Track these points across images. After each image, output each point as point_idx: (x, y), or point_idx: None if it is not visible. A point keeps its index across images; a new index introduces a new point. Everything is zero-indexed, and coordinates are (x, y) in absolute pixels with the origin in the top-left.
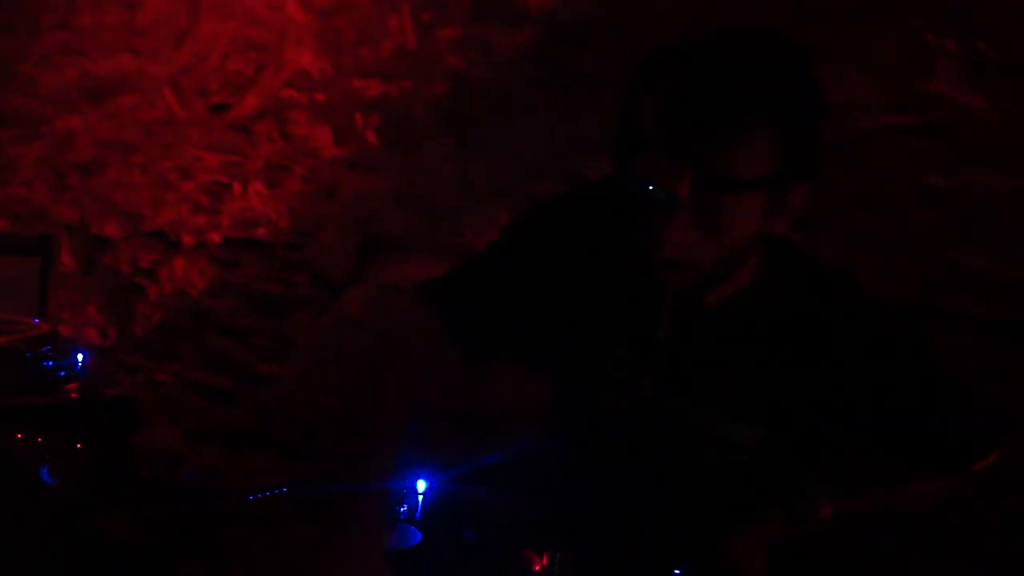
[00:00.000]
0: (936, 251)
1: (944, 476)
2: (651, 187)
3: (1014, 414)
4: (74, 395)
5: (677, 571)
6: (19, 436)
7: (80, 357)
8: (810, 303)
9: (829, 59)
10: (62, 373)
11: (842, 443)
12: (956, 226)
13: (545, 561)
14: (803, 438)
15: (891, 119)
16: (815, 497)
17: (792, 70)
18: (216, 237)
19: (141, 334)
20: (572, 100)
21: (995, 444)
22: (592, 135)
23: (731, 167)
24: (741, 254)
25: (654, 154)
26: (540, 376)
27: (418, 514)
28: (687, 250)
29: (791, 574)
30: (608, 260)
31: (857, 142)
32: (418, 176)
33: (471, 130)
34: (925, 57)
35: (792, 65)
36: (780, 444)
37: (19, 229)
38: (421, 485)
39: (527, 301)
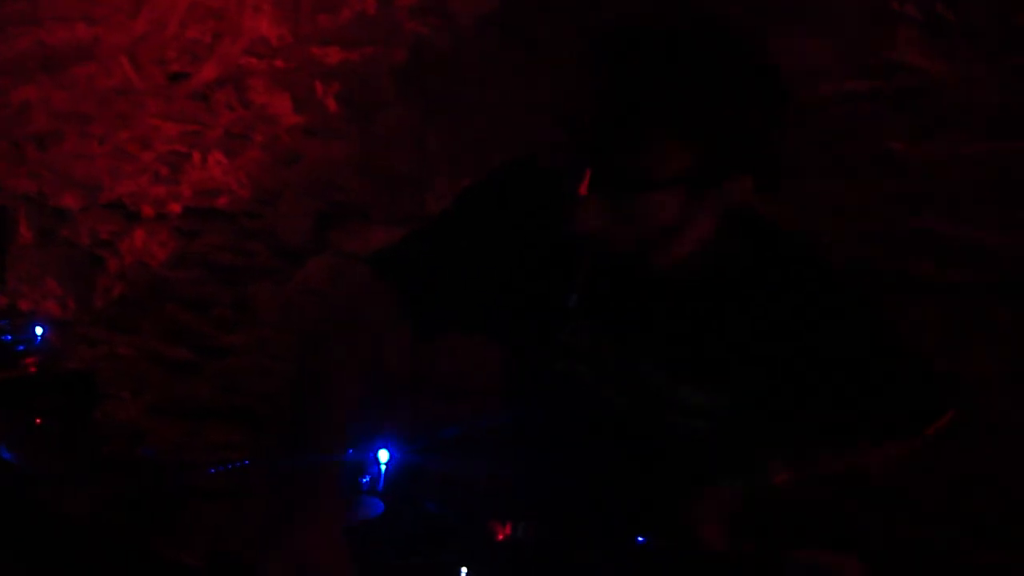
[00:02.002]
0: (897, 216)
1: (899, 439)
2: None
3: (971, 375)
4: (33, 369)
5: (639, 539)
6: None
7: (39, 331)
8: (766, 268)
9: (791, 24)
10: (21, 347)
11: (799, 407)
12: (917, 191)
13: (508, 530)
14: (760, 403)
15: (852, 85)
16: (773, 462)
17: (723, 67)
18: (176, 207)
19: (101, 306)
20: (532, 67)
21: (949, 406)
22: (551, 102)
23: (633, 167)
24: (672, 232)
25: (561, 145)
26: (498, 345)
27: (380, 485)
28: (600, 231)
29: (750, 539)
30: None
31: (818, 108)
32: (379, 144)
33: (432, 97)
34: (887, 22)
35: (724, 61)
36: (738, 409)
37: None
38: (383, 456)
39: (480, 270)
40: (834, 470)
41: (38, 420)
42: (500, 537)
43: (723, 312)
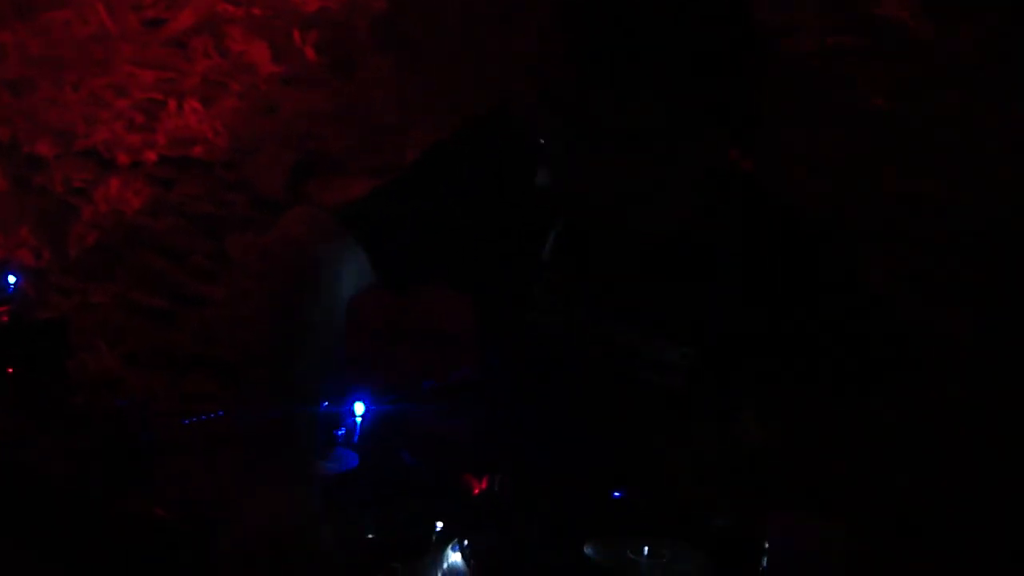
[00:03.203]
0: (874, 172)
1: (871, 394)
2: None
3: (942, 332)
4: (5, 319)
5: (615, 493)
6: None
7: (12, 279)
8: (741, 222)
9: None
10: None
11: (771, 362)
12: (895, 147)
13: (484, 484)
14: (732, 357)
15: (836, 40)
16: (745, 417)
17: (699, 18)
18: (152, 156)
19: (76, 255)
20: (512, 16)
21: (919, 364)
22: (528, 52)
23: (606, 122)
24: (647, 188)
25: (530, 101)
26: (471, 298)
27: (356, 437)
28: (574, 187)
29: (723, 494)
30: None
31: (801, 63)
32: (358, 94)
33: (412, 47)
34: None
35: (700, 12)
36: (710, 364)
37: None
38: (359, 408)
39: (451, 223)
40: (804, 424)
41: (10, 370)
42: (476, 491)
43: (697, 267)
